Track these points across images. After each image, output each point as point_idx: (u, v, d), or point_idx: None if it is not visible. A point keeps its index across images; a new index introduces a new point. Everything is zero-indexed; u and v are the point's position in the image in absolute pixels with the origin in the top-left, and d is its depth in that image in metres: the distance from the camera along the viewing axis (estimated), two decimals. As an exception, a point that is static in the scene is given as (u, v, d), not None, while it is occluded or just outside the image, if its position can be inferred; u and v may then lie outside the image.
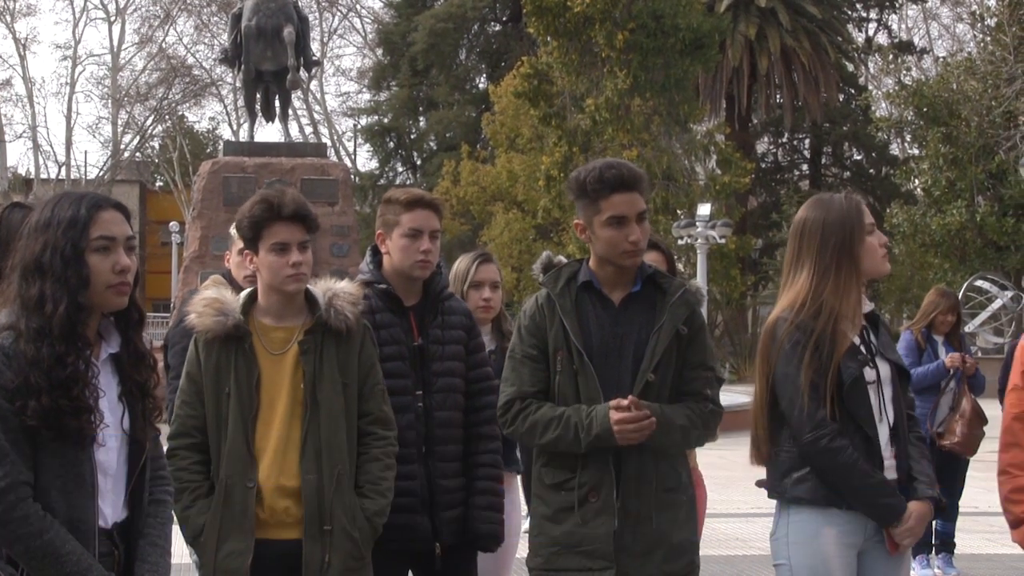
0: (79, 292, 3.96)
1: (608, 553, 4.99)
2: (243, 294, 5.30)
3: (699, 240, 32.12)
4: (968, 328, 28.18)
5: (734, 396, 24.55)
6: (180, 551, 6.04)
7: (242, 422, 5.09)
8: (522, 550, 6.53)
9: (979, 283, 32.09)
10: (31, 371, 3.88)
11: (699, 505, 6.41)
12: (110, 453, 4.08)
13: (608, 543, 4.99)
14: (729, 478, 17.23)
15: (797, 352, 5.01)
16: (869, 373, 5.05)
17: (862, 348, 5.07)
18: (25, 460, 3.88)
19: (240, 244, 5.76)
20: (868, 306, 5.19)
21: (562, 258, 5.46)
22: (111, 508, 4.09)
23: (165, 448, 5.18)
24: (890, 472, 5.06)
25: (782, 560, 5.18)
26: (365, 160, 77.48)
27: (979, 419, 10.29)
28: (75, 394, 3.93)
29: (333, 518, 5.05)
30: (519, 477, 7.11)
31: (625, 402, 4.91)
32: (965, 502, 10.88)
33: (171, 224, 56.46)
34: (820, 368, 4.97)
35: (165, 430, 4.75)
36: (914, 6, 57.62)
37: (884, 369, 5.11)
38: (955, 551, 11.37)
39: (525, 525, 7.90)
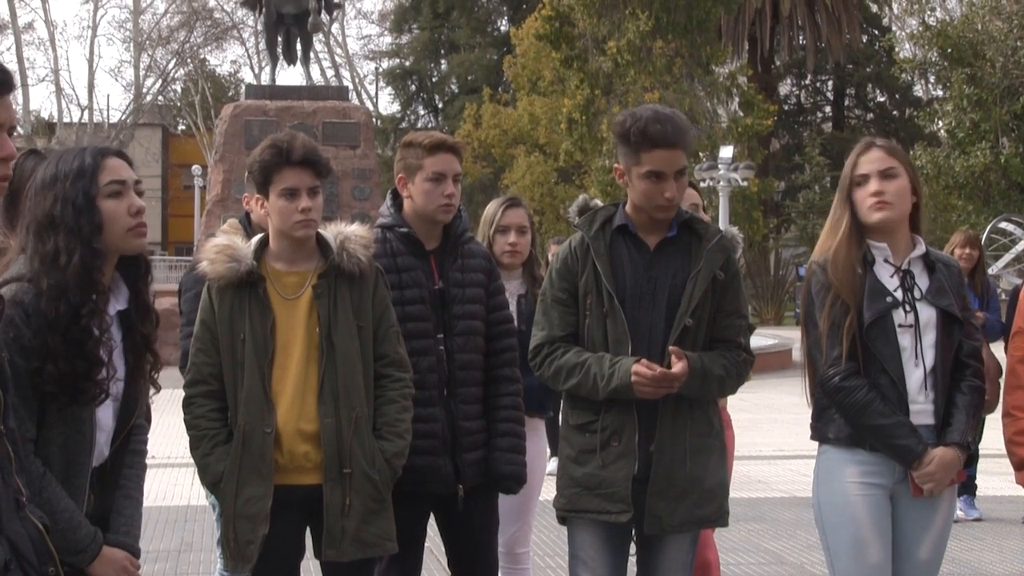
0: (93, 238, 3.98)
1: (626, 497, 5.02)
2: (255, 239, 5.28)
3: (721, 182, 32.03)
4: (992, 270, 28.05)
5: (756, 339, 24.56)
6: (199, 493, 6.09)
7: (258, 368, 5.08)
8: (546, 493, 6.57)
9: (1003, 225, 31.90)
10: (49, 333, 3.89)
11: (728, 447, 6.46)
12: (106, 409, 4.13)
13: (627, 487, 5.02)
14: (752, 420, 17.29)
15: (820, 294, 5.12)
16: (901, 316, 5.06)
17: (898, 291, 5.08)
18: (31, 416, 3.90)
19: None
20: (919, 250, 5.19)
21: (598, 201, 5.47)
22: (96, 458, 4.15)
23: (182, 396, 5.23)
24: (924, 416, 5.07)
25: (813, 499, 5.24)
26: (387, 103, 77.47)
27: (997, 371, 10.27)
28: (88, 349, 3.95)
29: (352, 461, 5.05)
30: (544, 422, 7.12)
31: (645, 369, 4.91)
32: (986, 444, 10.87)
33: (193, 167, 56.62)
34: (841, 309, 5.05)
35: (173, 377, 4.76)
36: (939, -55, 57.10)
37: (926, 313, 5.09)
38: (976, 493, 11.40)
39: (550, 467, 7.96)
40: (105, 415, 4.13)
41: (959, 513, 11.11)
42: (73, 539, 3.96)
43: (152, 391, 4.36)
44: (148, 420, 4.54)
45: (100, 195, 4.03)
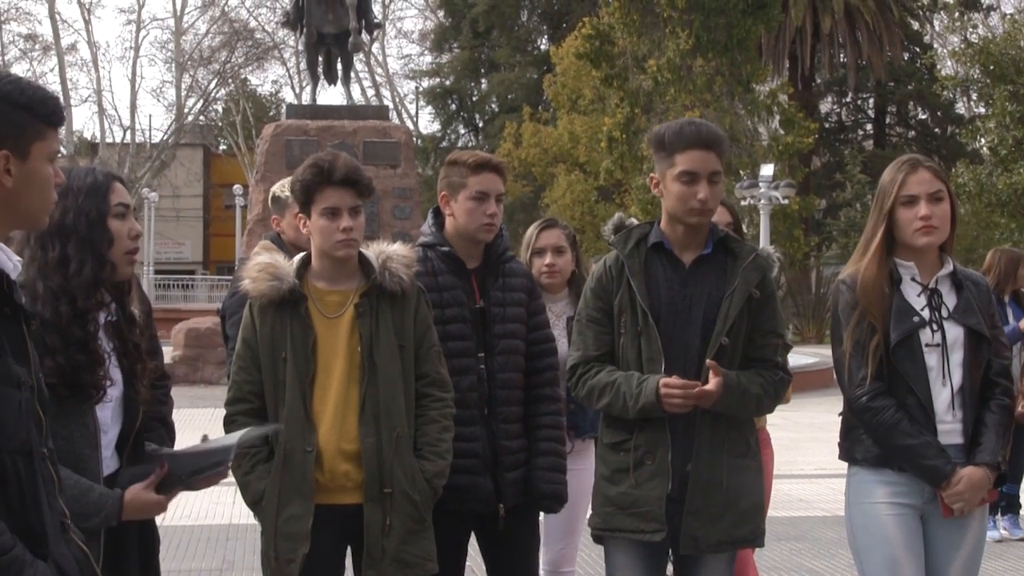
0: (104, 251, 4.21)
1: (660, 515, 5.02)
2: (297, 258, 5.30)
3: (762, 201, 31.94)
4: (1034, 288, 27.90)
5: (797, 357, 24.45)
6: (240, 513, 6.10)
7: (299, 386, 5.09)
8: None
9: (1046, 243, 31.74)
10: (45, 332, 4.01)
11: (767, 466, 6.43)
12: (105, 410, 4.27)
13: (660, 506, 5.02)
14: (793, 439, 17.21)
15: (846, 312, 5.12)
16: (928, 336, 5.03)
17: (925, 310, 5.06)
18: None
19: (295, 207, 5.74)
20: (947, 268, 5.17)
21: (634, 220, 5.47)
22: (104, 465, 4.25)
23: (223, 414, 5.26)
24: (952, 436, 5.05)
25: (846, 521, 5.22)
26: (427, 122, 77.72)
27: None
28: (92, 348, 4.13)
29: (393, 481, 5.06)
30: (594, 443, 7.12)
31: (675, 379, 4.91)
32: (1030, 464, 10.80)
33: (235, 187, 56.80)
34: (867, 329, 5.03)
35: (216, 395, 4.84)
36: (981, -38, 56.85)
37: (953, 332, 5.07)
38: (1021, 512, 11.31)
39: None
40: (104, 415, 4.26)
41: (1004, 532, 11.02)
42: (87, 502, 4.03)
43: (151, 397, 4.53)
44: (172, 438, 4.66)
45: (110, 213, 4.27)
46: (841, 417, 5.28)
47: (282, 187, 6.67)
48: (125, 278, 4.37)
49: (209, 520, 11.66)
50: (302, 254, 5.34)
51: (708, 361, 4.94)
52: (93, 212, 4.22)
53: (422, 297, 5.29)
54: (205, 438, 4.42)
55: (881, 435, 5.03)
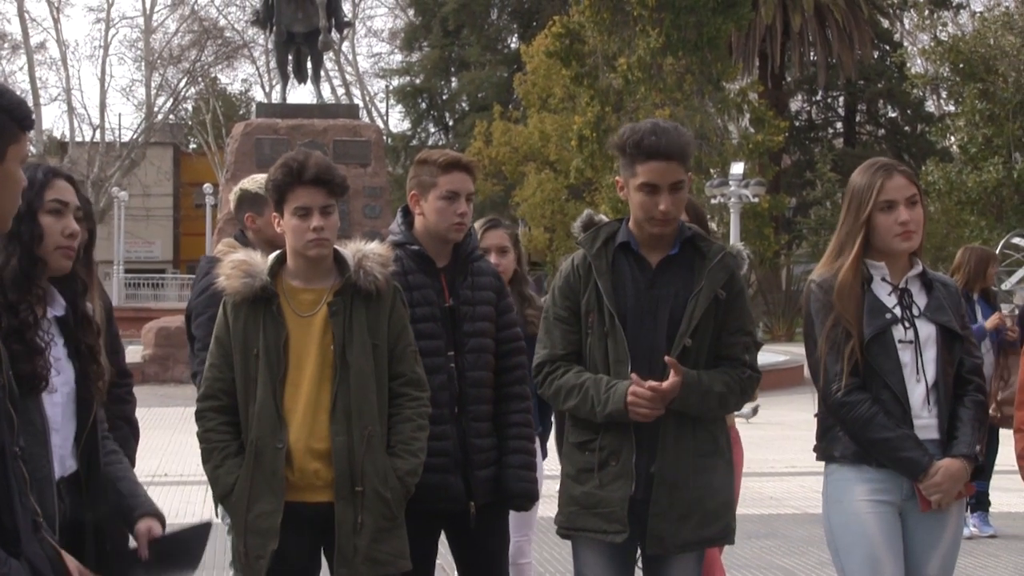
0: (33, 246, 4.17)
1: (623, 517, 5.02)
2: (272, 256, 5.30)
3: (732, 199, 32.00)
4: (1005, 286, 27.98)
5: (767, 356, 24.49)
6: (211, 511, 6.10)
7: (271, 384, 5.09)
8: (544, 510, 6.58)
9: (1016, 240, 31.82)
10: None
11: (736, 465, 6.44)
12: (55, 408, 4.21)
13: (623, 507, 5.02)
14: (764, 437, 17.26)
15: (820, 313, 5.12)
16: (901, 332, 5.06)
17: (897, 308, 5.08)
18: None
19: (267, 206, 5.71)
20: (916, 269, 5.20)
21: (603, 217, 5.44)
22: (57, 463, 4.18)
23: (193, 410, 5.24)
24: (928, 431, 5.07)
25: (824, 520, 5.23)
26: (397, 121, 77.62)
27: None
28: (28, 338, 4.06)
29: (364, 479, 5.05)
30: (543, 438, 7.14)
31: (640, 389, 4.91)
32: (1000, 461, 10.85)
33: (205, 186, 56.69)
34: (842, 333, 5.05)
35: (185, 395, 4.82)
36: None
37: (926, 330, 5.11)
38: (990, 509, 11.36)
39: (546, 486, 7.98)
40: (55, 413, 4.19)
41: (973, 530, 11.06)
42: None
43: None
44: (136, 436, 4.61)
45: (42, 209, 4.23)
46: (817, 418, 5.28)
47: (257, 184, 6.61)
48: (59, 274, 4.31)
49: (180, 519, 11.61)
50: (278, 251, 5.33)
51: (667, 358, 4.93)
52: (22, 207, 4.12)
53: (398, 296, 5.28)
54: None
55: (858, 430, 5.04)
